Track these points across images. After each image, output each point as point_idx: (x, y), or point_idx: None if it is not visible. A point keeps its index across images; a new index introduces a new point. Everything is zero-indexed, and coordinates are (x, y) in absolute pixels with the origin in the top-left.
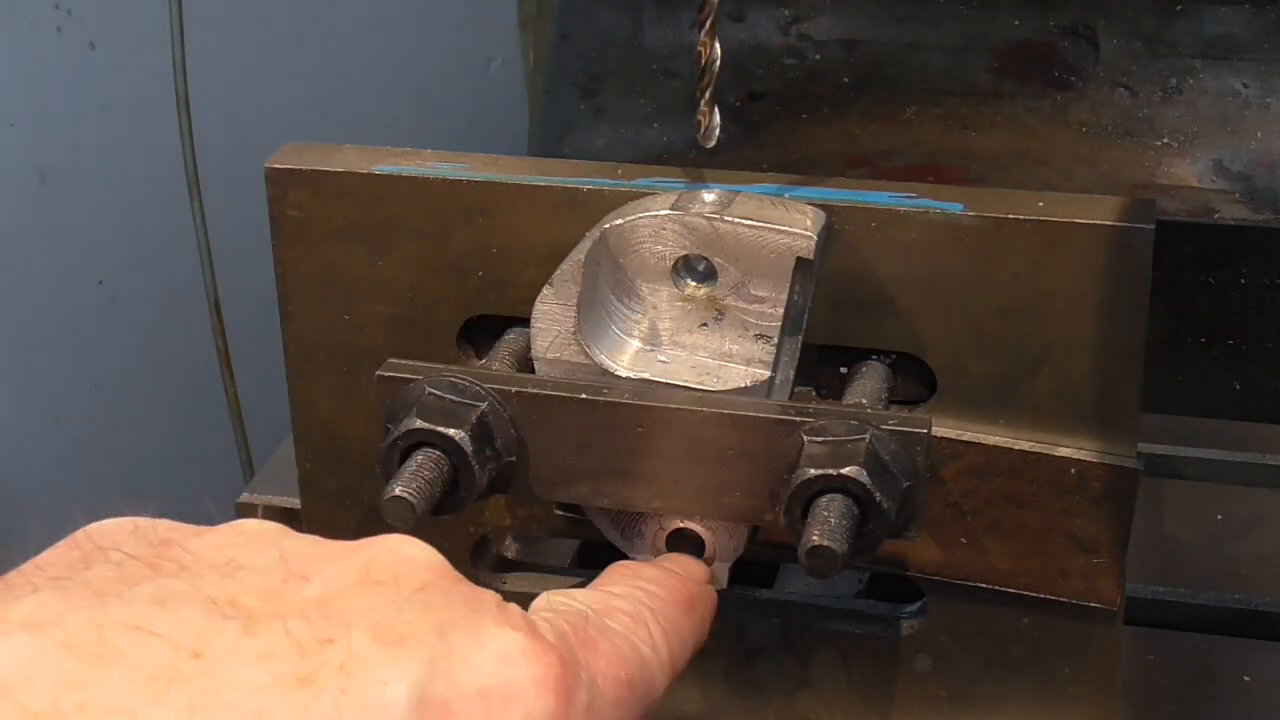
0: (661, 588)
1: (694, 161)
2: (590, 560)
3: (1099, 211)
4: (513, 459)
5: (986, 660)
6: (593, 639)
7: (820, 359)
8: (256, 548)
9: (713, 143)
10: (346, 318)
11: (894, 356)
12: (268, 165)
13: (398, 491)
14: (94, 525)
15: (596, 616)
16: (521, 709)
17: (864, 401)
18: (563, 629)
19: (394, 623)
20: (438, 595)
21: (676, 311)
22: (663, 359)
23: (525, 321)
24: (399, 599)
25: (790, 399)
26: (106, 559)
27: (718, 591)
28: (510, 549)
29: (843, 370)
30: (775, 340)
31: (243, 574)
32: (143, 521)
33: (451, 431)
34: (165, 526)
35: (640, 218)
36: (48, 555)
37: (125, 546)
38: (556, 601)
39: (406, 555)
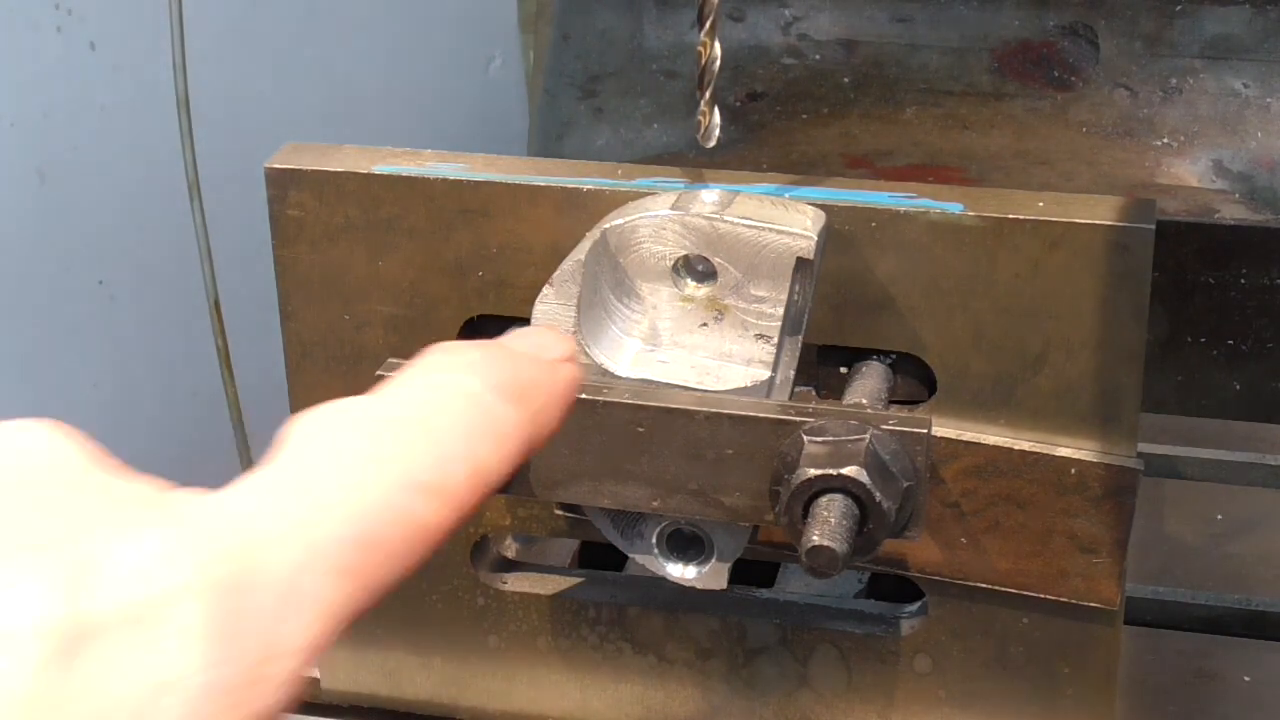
0: (459, 392)
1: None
2: (590, 560)
3: (1099, 211)
4: None
5: (986, 660)
6: (298, 504)
7: (820, 359)
8: None
9: (713, 143)
10: (346, 317)
11: (894, 356)
12: (268, 165)
13: None
14: None
15: (315, 474)
16: (175, 623)
17: (864, 401)
18: (241, 511)
19: (9, 533)
20: (66, 491)
21: (676, 311)
22: (663, 359)
23: (525, 321)
24: (14, 503)
25: (790, 399)
26: None
27: (716, 591)
28: (510, 549)
29: (843, 370)
30: (775, 340)
31: None
32: None
33: None
34: None
35: (640, 218)
36: None
37: None
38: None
39: (20, 446)
